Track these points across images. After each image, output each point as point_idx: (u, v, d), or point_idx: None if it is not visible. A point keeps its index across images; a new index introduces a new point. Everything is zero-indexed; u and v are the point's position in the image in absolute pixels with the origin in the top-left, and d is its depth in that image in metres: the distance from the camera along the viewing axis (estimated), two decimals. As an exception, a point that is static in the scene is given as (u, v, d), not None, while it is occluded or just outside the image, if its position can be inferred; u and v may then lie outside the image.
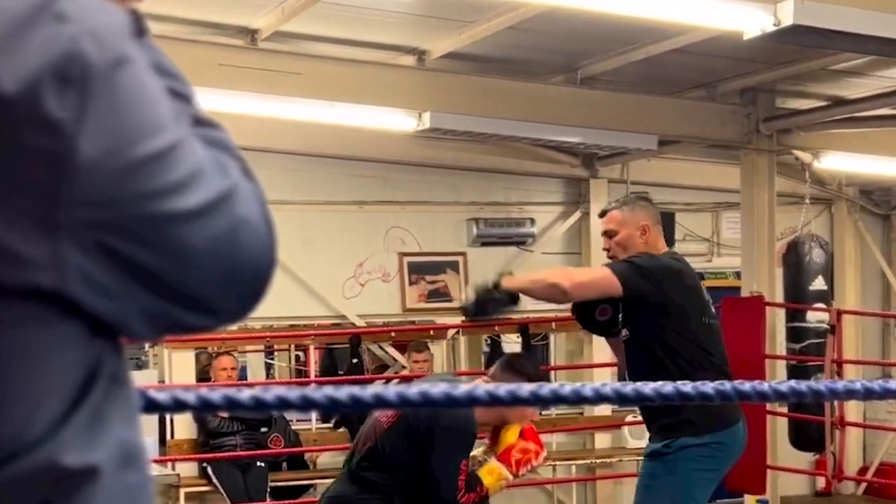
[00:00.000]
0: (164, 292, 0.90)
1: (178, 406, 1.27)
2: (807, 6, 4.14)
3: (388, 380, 8.08)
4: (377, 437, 4.00)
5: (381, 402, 1.46)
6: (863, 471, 9.21)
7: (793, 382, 1.95)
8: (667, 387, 1.83)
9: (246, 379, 8.43)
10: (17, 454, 0.85)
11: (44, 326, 0.86)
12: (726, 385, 1.88)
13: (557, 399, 1.74)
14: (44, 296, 0.85)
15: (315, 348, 8.18)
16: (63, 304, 0.86)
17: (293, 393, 1.23)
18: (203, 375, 7.71)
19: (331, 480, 7.63)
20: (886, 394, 2.06)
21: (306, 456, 7.81)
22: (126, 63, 0.85)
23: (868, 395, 1.97)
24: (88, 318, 0.88)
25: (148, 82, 0.88)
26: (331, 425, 7.85)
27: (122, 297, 0.88)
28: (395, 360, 8.58)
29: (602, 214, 4.39)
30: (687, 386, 1.82)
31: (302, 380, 8.94)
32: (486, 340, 9.88)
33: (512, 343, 9.48)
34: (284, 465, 7.73)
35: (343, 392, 1.30)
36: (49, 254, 0.84)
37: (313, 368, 8.30)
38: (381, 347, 8.54)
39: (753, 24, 4.33)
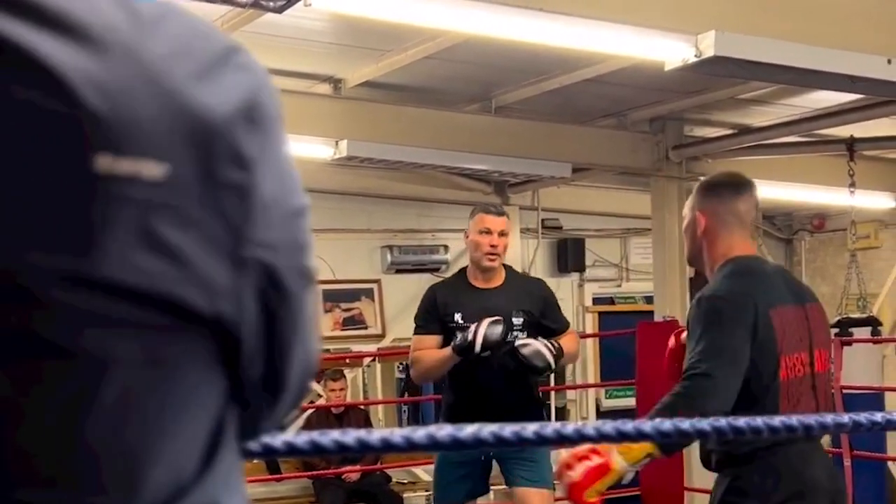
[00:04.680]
0: (273, 363, 0.84)
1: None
2: (727, 37, 4.15)
3: (304, 409, 8.01)
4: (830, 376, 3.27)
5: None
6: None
7: (731, 419, 1.99)
8: (605, 427, 1.86)
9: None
10: (175, 498, 0.79)
11: (201, 367, 0.80)
12: (667, 423, 1.92)
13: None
14: (214, 333, 0.79)
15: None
16: (221, 347, 0.80)
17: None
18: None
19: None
20: (823, 430, 2.12)
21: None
22: (281, 120, 0.86)
23: (807, 431, 2.02)
24: (229, 365, 0.82)
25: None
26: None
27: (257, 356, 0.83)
28: (311, 388, 8.51)
29: (500, 213, 4.56)
30: (627, 425, 1.85)
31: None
32: (399, 367, 9.87)
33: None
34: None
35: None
36: (233, 292, 0.79)
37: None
38: (295, 376, 8.45)
39: (675, 55, 4.32)
